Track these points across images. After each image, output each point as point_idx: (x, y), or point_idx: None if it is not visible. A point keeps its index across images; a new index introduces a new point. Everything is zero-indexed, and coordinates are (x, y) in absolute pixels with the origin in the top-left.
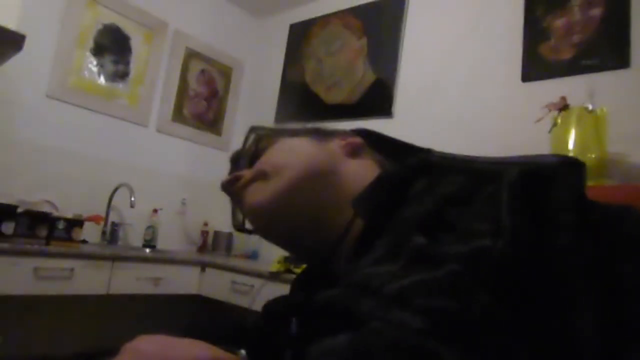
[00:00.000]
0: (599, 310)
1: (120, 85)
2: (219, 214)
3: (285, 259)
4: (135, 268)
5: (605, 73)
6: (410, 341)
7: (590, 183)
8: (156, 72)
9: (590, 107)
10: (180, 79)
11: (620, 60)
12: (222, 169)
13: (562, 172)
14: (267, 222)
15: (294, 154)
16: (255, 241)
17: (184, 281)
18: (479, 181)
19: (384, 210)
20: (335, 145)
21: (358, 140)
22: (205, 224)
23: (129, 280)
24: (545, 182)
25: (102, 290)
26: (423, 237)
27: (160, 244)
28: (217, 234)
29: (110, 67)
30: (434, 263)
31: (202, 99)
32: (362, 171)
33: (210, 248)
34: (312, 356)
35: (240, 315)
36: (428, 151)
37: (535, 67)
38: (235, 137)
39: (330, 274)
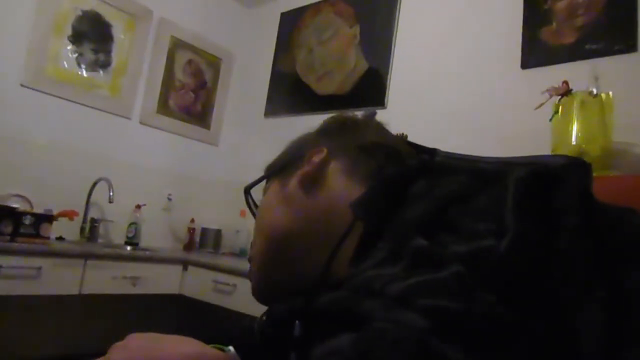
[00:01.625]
0: (602, 313)
1: (101, 75)
2: (207, 210)
3: None
4: (111, 267)
5: (611, 58)
6: (413, 341)
7: (594, 175)
8: (140, 62)
9: (594, 91)
10: (165, 69)
11: (627, 44)
12: (210, 163)
13: (568, 173)
14: (267, 300)
15: (259, 226)
16: (244, 239)
17: (164, 280)
18: (482, 181)
19: (384, 212)
20: (295, 182)
21: (314, 163)
22: (192, 221)
23: (104, 280)
24: (551, 183)
25: (74, 290)
26: (424, 239)
27: (145, 242)
28: (204, 231)
29: (90, 55)
30: (436, 264)
31: (189, 91)
32: (324, 204)
33: (198, 246)
34: (316, 357)
35: (247, 321)
36: (433, 151)
37: (535, 53)
38: (225, 130)
39: (331, 278)
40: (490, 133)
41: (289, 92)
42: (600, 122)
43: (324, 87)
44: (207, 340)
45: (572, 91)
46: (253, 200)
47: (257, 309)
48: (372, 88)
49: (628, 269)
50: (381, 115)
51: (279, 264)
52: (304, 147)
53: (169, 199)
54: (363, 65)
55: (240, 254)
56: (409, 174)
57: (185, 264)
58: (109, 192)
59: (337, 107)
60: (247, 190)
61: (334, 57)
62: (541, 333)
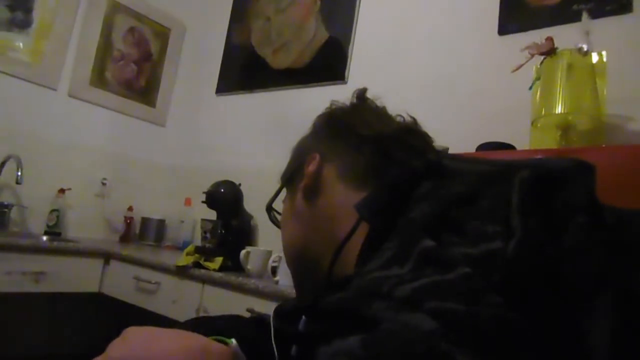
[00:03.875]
0: (611, 316)
1: (18, 37)
2: (148, 198)
3: (196, 249)
4: (6, 260)
5: (603, 20)
6: (422, 343)
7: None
8: (68, 25)
9: (585, 47)
10: (101, 36)
11: (621, 3)
12: (154, 145)
13: (574, 174)
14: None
15: (283, 241)
16: (189, 230)
17: (80, 277)
18: (486, 182)
19: (389, 213)
20: (300, 197)
21: (309, 173)
22: (130, 209)
23: None
24: (557, 184)
25: None
26: (431, 240)
27: (73, 232)
28: (145, 221)
29: (4, 13)
30: (444, 266)
31: (131, 62)
32: (326, 211)
33: (137, 237)
34: (322, 357)
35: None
36: (436, 152)
37: (515, 16)
38: (173, 109)
39: (336, 278)
40: (464, 107)
41: (242, 66)
42: (590, 88)
43: (280, 60)
44: (207, 333)
45: (558, 50)
46: (277, 213)
47: (180, 315)
48: (331, 60)
49: (638, 269)
50: (341, 92)
51: (303, 272)
52: (302, 155)
53: (103, 184)
54: (323, 35)
55: (184, 247)
56: (414, 175)
57: (107, 258)
58: (17, 172)
59: (293, 82)
60: (269, 208)
61: (292, 27)
62: (550, 335)
